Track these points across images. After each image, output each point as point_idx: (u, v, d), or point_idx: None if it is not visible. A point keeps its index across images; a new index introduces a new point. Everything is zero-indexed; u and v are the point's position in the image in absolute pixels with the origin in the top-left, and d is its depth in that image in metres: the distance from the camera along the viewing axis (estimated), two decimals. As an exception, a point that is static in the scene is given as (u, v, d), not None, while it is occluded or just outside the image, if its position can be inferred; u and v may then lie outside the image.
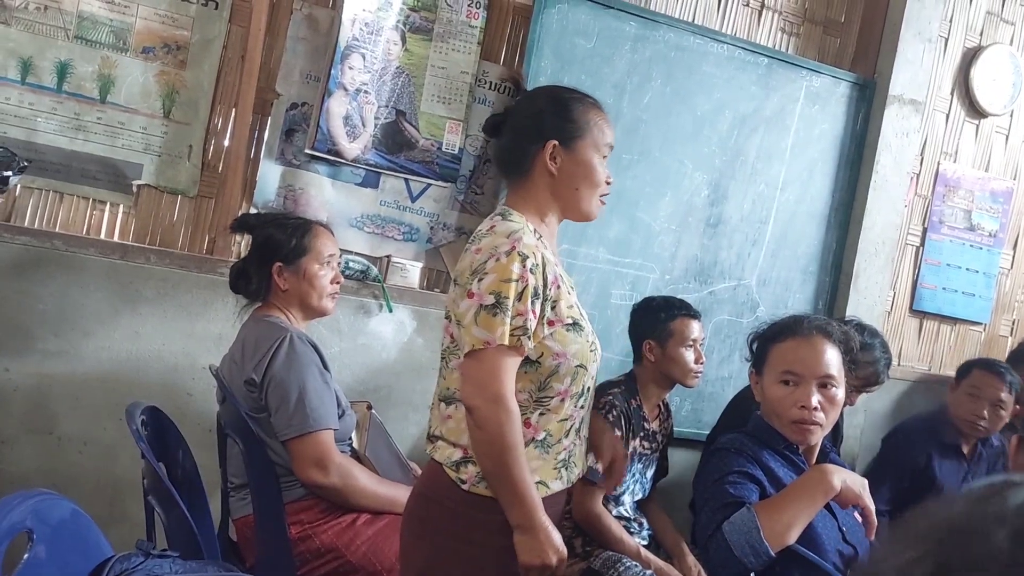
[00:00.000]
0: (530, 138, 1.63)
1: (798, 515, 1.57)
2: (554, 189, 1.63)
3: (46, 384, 2.43)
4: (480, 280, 1.51)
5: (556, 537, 1.49)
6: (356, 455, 2.22)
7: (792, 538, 1.56)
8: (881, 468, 3.05)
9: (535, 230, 1.60)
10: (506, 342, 1.48)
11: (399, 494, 2.13)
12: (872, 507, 1.64)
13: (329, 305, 2.24)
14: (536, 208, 1.64)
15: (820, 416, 1.69)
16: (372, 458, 2.24)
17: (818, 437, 1.74)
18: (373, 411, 2.33)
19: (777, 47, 3.29)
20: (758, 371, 1.81)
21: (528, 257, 1.51)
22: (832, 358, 1.72)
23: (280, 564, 1.98)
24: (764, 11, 3.28)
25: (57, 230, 2.48)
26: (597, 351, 1.65)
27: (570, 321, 1.58)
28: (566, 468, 1.61)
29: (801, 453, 1.76)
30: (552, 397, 1.57)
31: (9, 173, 2.36)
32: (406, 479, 2.25)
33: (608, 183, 1.68)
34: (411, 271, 2.84)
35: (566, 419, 1.59)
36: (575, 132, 1.62)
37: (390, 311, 2.78)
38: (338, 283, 2.27)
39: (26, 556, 1.29)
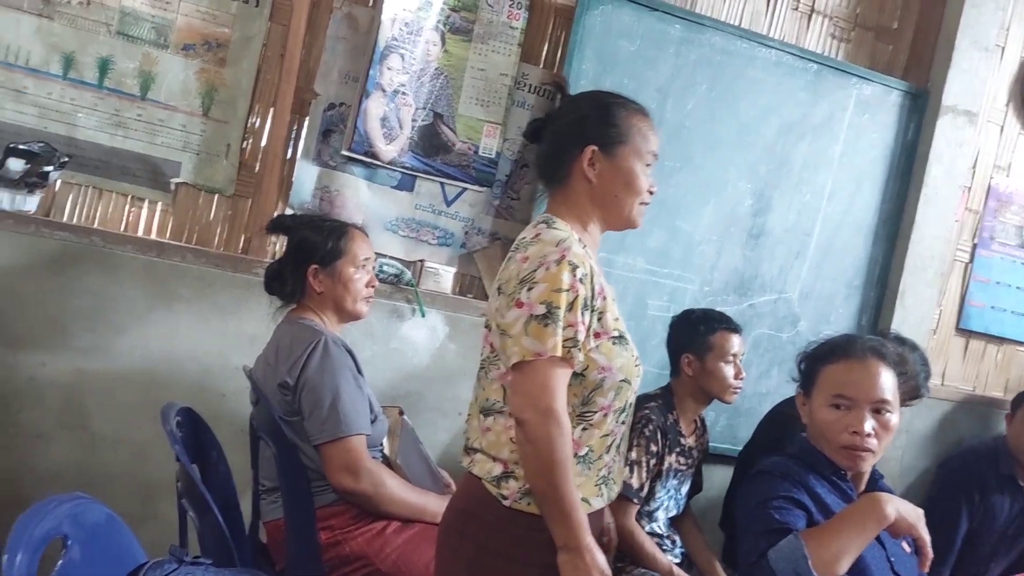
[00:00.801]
0: (569, 143, 1.60)
1: (849, 544, 1.51)
2: (593, 196, 1.59)
3: (81, 380, 2.42)
4: (530, 289, 1.47)
5: (600, 558, 1.45)
6: (387, 461, 2.20)
7: (842, 569, 1.50)
8: (938, 499, 3.01)
9: (579, 239, 1.56)
10: (558, 353, 1.44)
11: (430, 502, 2.11)
12: (927, 538, 1.57)
13: (363, 309, 2.22)
14: (578, 216, 1.60)
15: (873, 443, 1.63)
16: (403, 465, 2.21)
17: (869, 464, 1.68)
18: (405, 417, 2.30)
19: (826, 53, 3.22)
20: (806, 392, 1.75)
21: (578, 267, 1.48)
22: (887, 382, 1.65)
23: (309, 569, 1.96)
24: (814, 16, 3.20)
25: (95, 226, 2.48)
26: (640, 366, 1.61)
27: (616, 334, 1.55)
28: (606, 485, 1.58)
29: (849, 479, 1.70)
30: (595, 412, 1.53)
31: (50, 168, 2.36)
32: (436, 487, 2.22)
33: (651, 192, 1.63)
34: (444, 276, 2.81)
35: (608, 435, 1.56)
36: (616, 138, 1.58)
37: (423, 316, 2.75)
38: (373, 287, 2.25)
39: (60, 563, 1.28)
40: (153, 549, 1.59)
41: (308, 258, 2.17)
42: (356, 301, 2.19)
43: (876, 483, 1.76)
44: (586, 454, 1.53)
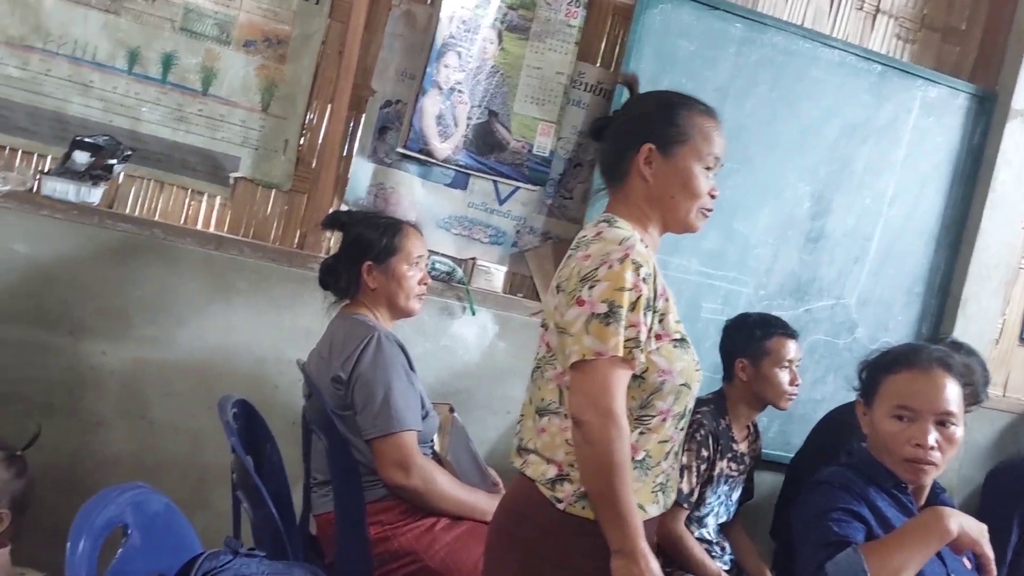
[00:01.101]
0: (628, 142, 1.57)
1: (910, 560, 1.47)
2: (650, 197, 1.56)
3: (140, 369, 2.47)
4: (591, 287, 1.44)
5: (655, 565, 1.42)
6: (437, 458, 2.20)
7: (902, 584, 1.46)
8: (988, 510, 2.92)
9: (641, 239, 1.52)
10: (620, 353, 1.41)
11: (479, 500, 2.11)
12: (991, 555, 1.53)
13: (416, 306, 2.23)
14: (637, 217, 1.57)
15: (936, 456, 1.58)
16: (453, 461, 2.21)
17: (931, 477, 1.64)
18: (455, 414, 2.31)
19: (891, 54, 3.15)
20: (867, 402, 1.71)
21: (642, 266, 1.45)
22: (952, 393, 1.60)
23: (358, 563, 1.97)
24: (879, 16, 3.14)
25: (157, 219, 2.53)
26: (700, 371, 1.57)
27: (678, 336, 1.52)
28: (663, 492, 1.54)
29: (910, 492, 1.65)
30: (653, 416, 1.50)
31: (114, 161, 2.41)
32: (485, 485, 2.22)
33: (713, 196, 1.58)
34: (495, 275, 2.81)
35: (666, 441, 1.52)
36: (675, 137, 1.54)
37: (473, 314, 2.76)
38: (425, 284, 2.26)
39: (121, 550, 1.31)
40: (206, 536, 1.62)
41: (362, 254, 2.18)
42: (409, 298, 2.20)
43: (937, 496, 1.72)
44: (643, 459, 1.49)
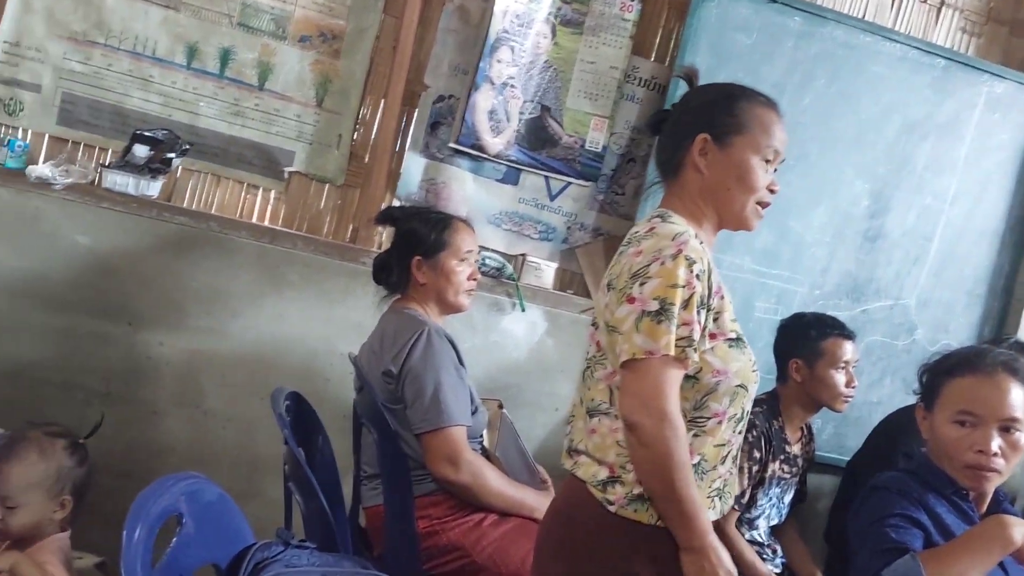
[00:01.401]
0: (684, 133, 1.52)
1: (971, 569, 1.43)
2: (704, 190, 1.51)
3: (196, 360, 2.52)
4: (642, 284, 1.39)
5: (726, 558, 1.39)
6: (486, 453, 2.20)
7: (963, 595, 1.42)
8: None
9: (696, 234, 1.48)
10: (671, 352, 1.36)
11: (527, 497, 2.11)
12: (1057, 566, 1.48)
13: (465, 301, 2.23)
14: (691, 212, 1.52)
15: (1000, 463, 1.54)
16: (501, 457, 2.22)
17: (994, 485, 1.59)
18: (504, 410, 2.31)
19: (956, 48, 3.06)
20: (928, 407, 1.66)
21: (695, 262, 1.40)
22: (1017, 399, 1.55)
23: (407, 557, 1.98)
24: (943, 9, 3.06)
25: (213, 212, 2.57)
26: (758, 371, 1.52)
27: (733, 336, 1.46)
28: (720, 498, 1.49)
29: (971, 500, 1.60)
30: (708, 418, 1.44)
31: (172, 155, 2.45)
32: (533, 482, 2.22)
33: (772, 191, 1.52)
34: (545, 271, 2.80)
35: (723, 444, 1.47)
36: (732, 128, 1.49)
37: (523, 310, 2.75)
38: (475, 280, 2.25)
39: (175, 539, 1.33)
40: (257, 525, 1.64)
41: (412, 249, 2.19)
42: (458, 293, 2.20)
43: (1000, 504, 1.66)
44: (699, 463, 1.44)
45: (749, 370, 1.48)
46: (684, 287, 1.38)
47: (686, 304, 1.38)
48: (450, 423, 2.00)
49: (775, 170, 1.54)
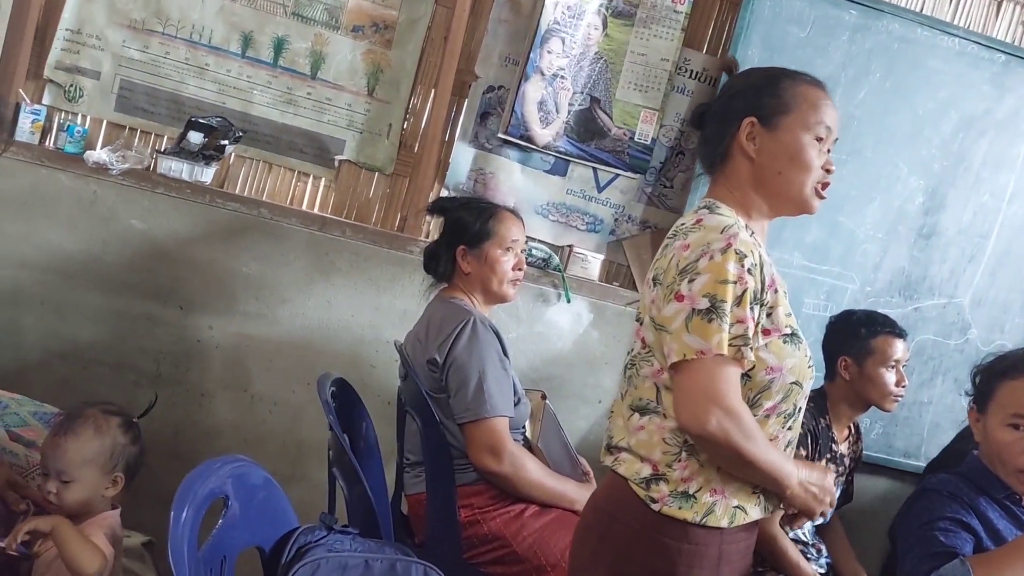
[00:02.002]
0: (729, 119, 1.47)
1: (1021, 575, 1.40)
2: (755, 176, 1.45)
3: (244, 344, 2.56)
4: (691, 281, 1.34)
5: (817, 478, 1.42)
6: (528, 445, 2.20)
7: (1014, 602, 1.39)
8: None
9: (746, 225, 1.42)
10: (724, 351, 1.31)
11: (568, 489, 2.10)
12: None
13: (510, 291, 2.22)
14: (740, 201, 1.46)
15: (1055, 469, 1.50)
16: (544, 449, 2.21)
17: (1048, 490, 1.55)
18: (547, 401, 2.30)
19: (1017, 43, 2.97)
20: (980, 408, 1.63)
21: (746, 256, 1.33)
22: None
23: (448, 545, 1.99)
24: (1004, 2, 2.96)
25: (264, 199, 2.60)
26: (813, 367, 1.46)
27: (788, 331, 1.39)
28: (766, 495, 1.43)
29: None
30: (757, 415, 1.39)
31: (226, 142, 2.49)
32: (575, 474, 2.22)
33: (828, 171, 1.45)
34: (592, 263, 2.79)
35: (771, 439, 1.41)
36: (778, 108, 1.43)
37: (568, 301, 2.75)
38: (520, 270, 2.24)
39: (221, 521, 1.35)
40: (301, 508, 1.66)
41: (458, 239, 2.20)
42: (502, 283, 2.19)
43: (1055, 511, 1.63)
44: None
45: (805, 366, 1.42)
46: (735, 283, 1.32)
47: (739, 301, 1.32)
48: (493, 414, 2.00)
49: (828, 151, 1.47)
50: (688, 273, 1.35)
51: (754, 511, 1.42)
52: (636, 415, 1.45)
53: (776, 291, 1.40)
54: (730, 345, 1.32)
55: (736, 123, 1.45)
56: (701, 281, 1.33)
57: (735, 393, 1.33)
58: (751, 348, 1.34)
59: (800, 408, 1.46)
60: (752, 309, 1.34)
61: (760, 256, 1.38)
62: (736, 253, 1.33)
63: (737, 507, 1.38)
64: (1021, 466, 1.53)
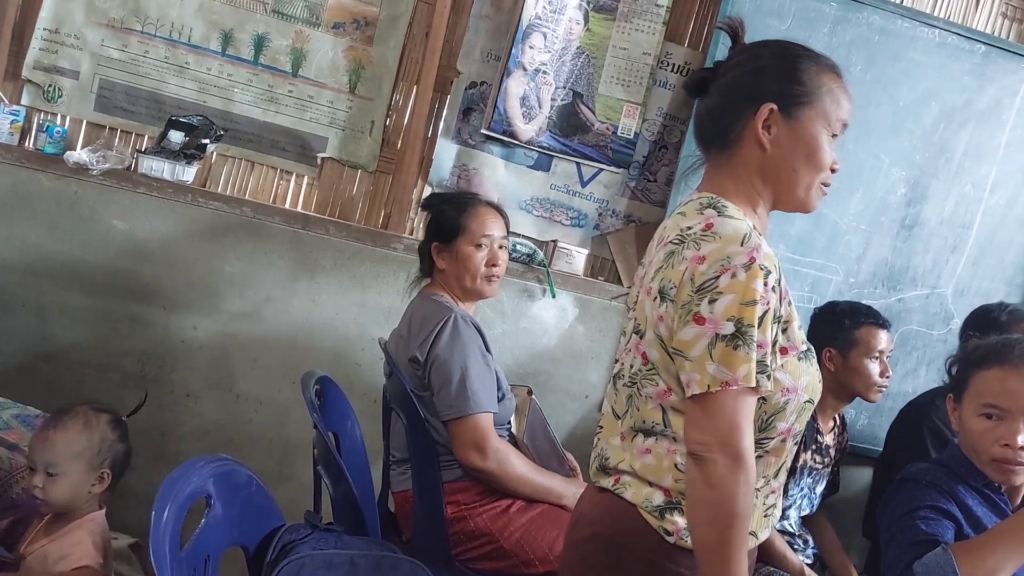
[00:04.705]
0: (743, 99, 1.31)
1: (1005, 562, 1.41)
2: (765, 168, 1.31)
3: (229, 344, 2.55)
4: (712, 301, 1.19)
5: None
6: (514, 440, 2.20)
7: (996, 587, 1.40)
8: None
9: (754, 227, 1.28)
10: (752, 383, 1.18)
11: (555, 484, 2.10)
12: (1093, 560, 1.44)
13: (486, 288, 2.18)
14: (746, 194, 1.32)
15: (1026, 456, 1.51)
16: (529, 444, 2.21)
17: (1022, 478, 1.56)
18: (533, 397, 2.30)
19: (997, 34, 3.00)
20: (957, 398, 1.64)
21: (771, 272, 1.21)
22: None
23: (435, 542, 1.99)
24: (984, -6, 2.98)
25: (247, 197, 2.59)
26: (822, 381, 1.36)
27: (804, 347, 1.30)
28: (771, 516, 1.37)
29: (1004, 492, 1.58)
30: (773, 438, 1.30)
31: (207, 141, 2.48)
32: (562, 469, 2.22)
33: (834, 170, 1.34)
34: (576, 257, 2.79)
35: (784, 460, 1.35)
36: (801, 97, 1.29)
37: (553, 297, 2.75)
38: (495, 265, 2.17)
39: (204, 520, 1.35)
40: (288, 508, 1.66)
41: (433, 235, 2.19)
42: (475, 280, 2.15)
43: (1035, 496, 1.64)
44: (761, 487, 1.31)
45: (816, 382, 1.33)
46: (760, 303, 1.19)
47: (760, 321, 1.20)
48: (476, 410, 1.99)
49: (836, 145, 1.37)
50: (708, 292, 1.21)
51: (763, 533, 1.35)
52: (640, 436, 1.33)
53: (790, 303, 1.30)
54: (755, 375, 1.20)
55: (753, 107, 1.31)
56: (724, 303, 1.19)
57: (750, 435, 1.21)
58: (769, 377, 1.23)
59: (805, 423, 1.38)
60: (772, 330, 1.23)
61: (778, 267, 1.27)
62: (761, 269, 1.20)
63: (751, 533, 1.28)
64: (994, 455, 1.54)
